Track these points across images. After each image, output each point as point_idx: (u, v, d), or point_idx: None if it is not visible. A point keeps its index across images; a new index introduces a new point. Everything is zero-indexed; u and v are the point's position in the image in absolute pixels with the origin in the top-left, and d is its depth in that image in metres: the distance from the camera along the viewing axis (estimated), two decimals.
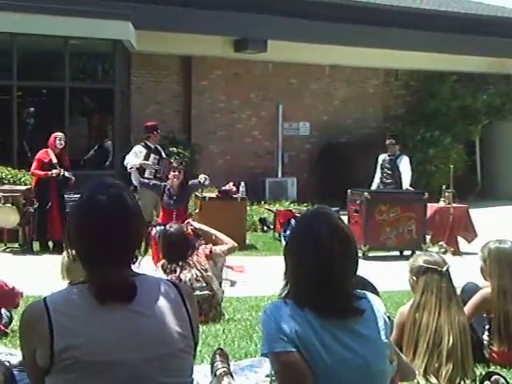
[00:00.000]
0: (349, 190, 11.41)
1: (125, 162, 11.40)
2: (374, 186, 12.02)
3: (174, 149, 15.15)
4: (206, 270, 6.30)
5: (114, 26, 14.16)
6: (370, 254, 10.87)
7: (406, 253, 10.78)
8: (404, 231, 10.98)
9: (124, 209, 2.19)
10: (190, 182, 9.81)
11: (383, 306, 2.59)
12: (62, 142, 10.96)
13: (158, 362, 2.10)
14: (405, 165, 11.73)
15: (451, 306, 4.36)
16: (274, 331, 2.40)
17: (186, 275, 6.15)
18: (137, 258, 2.23)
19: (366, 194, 10.95)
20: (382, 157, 12.04)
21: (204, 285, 6.19)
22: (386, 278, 8.03)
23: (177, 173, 9.46)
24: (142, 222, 2.27)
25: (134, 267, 2.22)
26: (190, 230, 6.71)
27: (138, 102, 16.81)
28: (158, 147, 11.55)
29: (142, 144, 11.41)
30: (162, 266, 6.24)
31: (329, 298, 2.42)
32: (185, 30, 15.74)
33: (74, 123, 15.48)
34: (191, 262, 6.24)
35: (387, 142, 11.94)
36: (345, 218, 11.14)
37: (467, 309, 4.81)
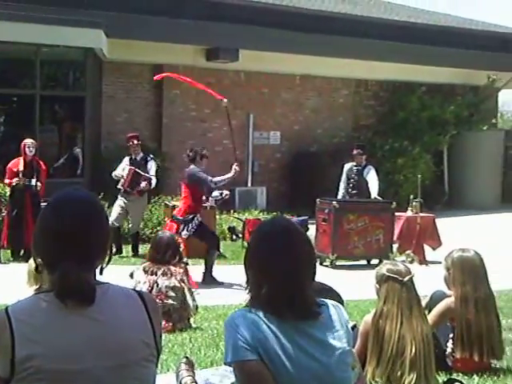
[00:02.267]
0: (317, 199, 11.47)
1: None
2: (339, 196, 12.07)
3: None
4: (183, 282, 6.37)
5: (85, 34, 14.10)
6: (338, 263, 10.96)
7: (374, 261, 10.89)
8: (372, 240, 11.06)
9: (89, 216, 2.20)
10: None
11: (345, 314, 2.60)
12: (31, 148, 10.91)
13: (121, 370, 2.10)
14: (372, 175, 11.78)
15: (412, 316, 4.43)
16: (236, 340, 2.39)
17: (164, 282, 6.23)
18: (102, 269, 2.24)
19: (334, 203, 11.01)
20: (348, 166, 12.09)
21: (179, 295, 6.26)
22: (353, 286, 8.11)
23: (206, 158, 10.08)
24: (107, 231, 2.27)
25: (98, 276, 2.23)
26: (181, 240, 6.78)
27: (108, 110, 16.76)
28: (142, 157, 11.78)
29: (128, 157, 11.77)
30: (144, 268, 6.33)
31: (288, 301, 2.43)
32: (156, 39, 15.73)
33: (45, 131, 15.36)
34: (173, 271, 6.33)
35: (354, 152, 12.00)
36: (313, 227, 11.23)
37: (431, 317, 4.89)
